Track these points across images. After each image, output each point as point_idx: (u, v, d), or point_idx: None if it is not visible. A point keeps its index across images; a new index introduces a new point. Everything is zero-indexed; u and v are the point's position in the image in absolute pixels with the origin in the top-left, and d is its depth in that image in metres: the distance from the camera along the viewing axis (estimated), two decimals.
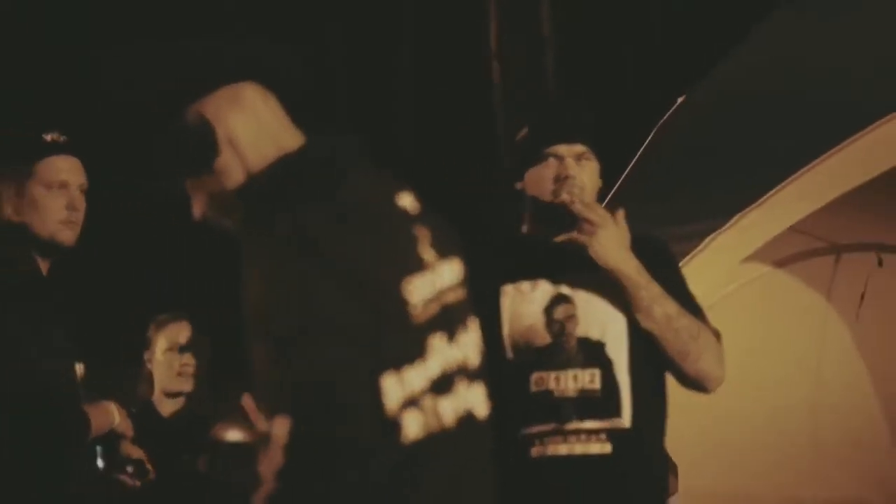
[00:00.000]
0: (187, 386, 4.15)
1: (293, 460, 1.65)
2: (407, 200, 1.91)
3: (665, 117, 5.31)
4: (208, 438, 3.51)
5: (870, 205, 4.85)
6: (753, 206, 4.50)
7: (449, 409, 1.83)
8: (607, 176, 3.29)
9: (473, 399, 1.89)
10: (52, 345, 3.01)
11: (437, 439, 1.79)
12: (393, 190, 1.91)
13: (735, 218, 4.42)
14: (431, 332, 1.82)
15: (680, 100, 5.30)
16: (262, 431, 1.69)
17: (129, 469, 3.30)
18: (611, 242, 2.93)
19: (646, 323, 2.95)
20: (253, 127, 1.90)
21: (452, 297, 1.89)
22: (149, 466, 3.34)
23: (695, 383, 3.04)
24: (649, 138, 5.30)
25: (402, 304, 1.78)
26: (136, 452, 3.32)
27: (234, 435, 3.40)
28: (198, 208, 1.94)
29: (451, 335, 1.85)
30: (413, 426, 1.76)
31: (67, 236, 3.05)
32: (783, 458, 5.27)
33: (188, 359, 4.12)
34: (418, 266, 1.84)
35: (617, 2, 11.53)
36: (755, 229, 4.53)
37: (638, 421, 2.95)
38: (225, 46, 1.94)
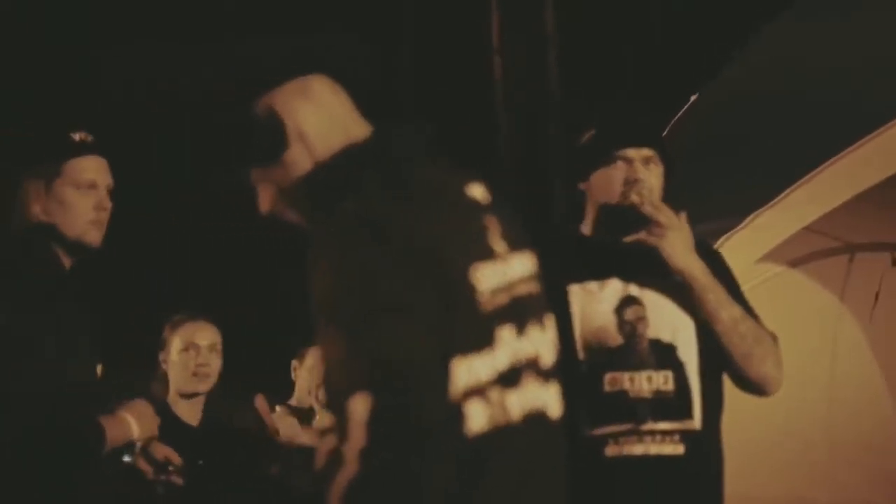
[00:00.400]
0: (203, 386, 4.09)
1: (375, 439, 1.63)
2: (478, 191, 1.89)
3: (678, 116, 5.28)
4: (278, 445, 3.48)
5: (884, 204, 4.83)
6: (768, 206, 4.49)
7: (517, 404, 1.80)
8: None
9: (546, 397, 1.87)
10: (74, 347, 2.96)
11: (505, 434, 1.77)
12: (463, 180, 1.89)
13: (749, 218, 4.41)
14: (500, 322, 1.80)
15: (693, 98, 5.27)
16: (321, 428, 1.68)
17: (170, 468, 3.27)
18: (680, 244, 2.97)
19: (713, 325, 2.98)
20: (322, 119, 1.89)
21: (523, 290, 1.86)
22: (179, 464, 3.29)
23: (756, 386, 3.09)
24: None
25: (471, 290, 1.77)
26: (168, 452, 3.28)
27: (305, 440, 3.38)
28: (265, 202, 1.93)
29: (521, 329, 1.83)
30: (478, 417, 1.75)
31: (94, 237, 3.02)
32: (796, 458, 5.25)
33: (204, 359, 4.06)
34: (488, 255, 1.82)
35: (617, 1, 11.51)
36: (769, 229, 4.53)
37: (706, 423, 3.00)
38: (294, 40, 1.94)
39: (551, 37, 9.47)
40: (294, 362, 4.71)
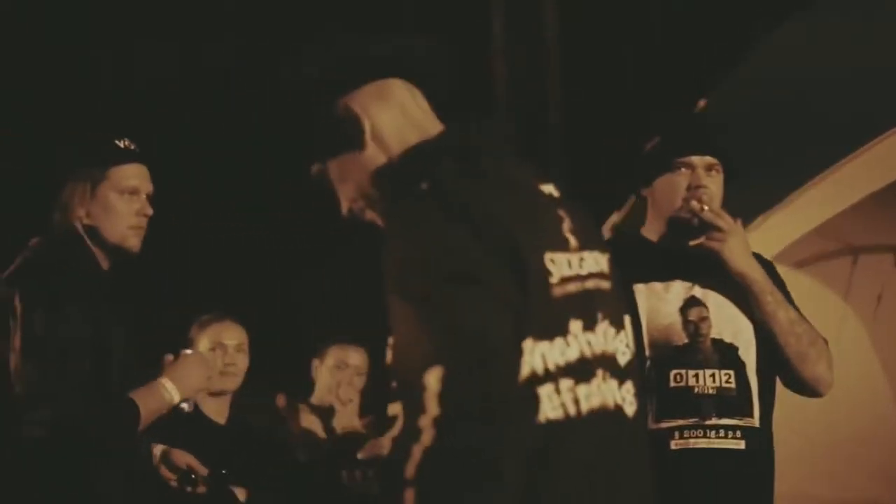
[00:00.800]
0: (231, 385, 4.13)
1: (450, 409, 1.62)
2: (550, 188, 1.90)
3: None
4: (355, 453, 3.53)
5: (888, 207, 4.89)
6: (777, 207, 4.55)
7: (588, 398, 1.80)
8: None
9: (620, 396, 1.86)
10: (110, 346, 3.04)
11: (574, 427, 1.77)
12: (537, 175, 1.90)
13: (759, 219, 4.47)
14: (571, 314, 1.79)
15: (701, 102, 5.31)
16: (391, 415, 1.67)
17: (192, 477, 3.36)
18: (739, 248, 3.12)
19: (771, 326, 3.11)
20: (399, 121, 1.91)
21: (596, 286, 1.86)
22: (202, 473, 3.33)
23: (809, 387, 3.26)
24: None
25: (544, 276, 1.76)
26: (190, 460, 3.38)
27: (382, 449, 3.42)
28: (344, 202, 1.95)
29: (593, 324, 1.83)
30: (548, 404, 1.74)
31: (134, 242, 3.12)
32: (797, 456, 5.29)
33: (231, 358, 4.10)
34: (562, 245, 1.82)
35: (618, 2, 11.52)
36: (778, 231, 4.57)
37: (763, 421, 3.15)
38: (373, 42, 1.96)
39: (551, 38, 9.52)
40: (315, 361, 4.75)
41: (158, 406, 3.04)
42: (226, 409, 4.16)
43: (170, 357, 3.19)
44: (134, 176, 3.12)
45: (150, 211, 3.13)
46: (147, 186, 3.16)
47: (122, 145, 3.11)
